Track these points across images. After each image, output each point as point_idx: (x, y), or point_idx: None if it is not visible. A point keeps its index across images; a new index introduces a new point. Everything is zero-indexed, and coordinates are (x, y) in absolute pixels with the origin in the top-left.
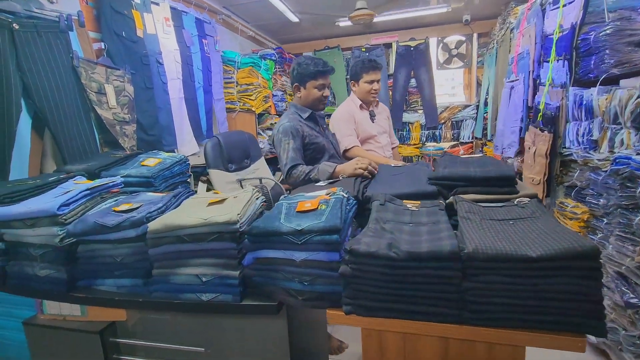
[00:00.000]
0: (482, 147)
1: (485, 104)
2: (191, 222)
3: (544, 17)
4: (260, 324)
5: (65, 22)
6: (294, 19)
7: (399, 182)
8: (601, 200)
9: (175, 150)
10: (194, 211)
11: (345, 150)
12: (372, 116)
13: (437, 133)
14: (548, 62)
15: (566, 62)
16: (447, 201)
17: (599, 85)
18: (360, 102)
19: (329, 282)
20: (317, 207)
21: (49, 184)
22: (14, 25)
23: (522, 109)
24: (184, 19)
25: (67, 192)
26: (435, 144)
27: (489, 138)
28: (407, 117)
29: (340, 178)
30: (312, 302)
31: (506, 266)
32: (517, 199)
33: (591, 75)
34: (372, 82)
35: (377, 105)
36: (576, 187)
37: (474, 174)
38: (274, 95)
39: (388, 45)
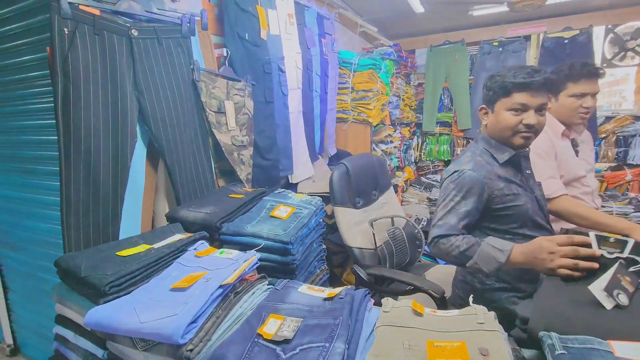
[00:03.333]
0: None
1: None
2: None
3: None
4: None
5: (188, 25)
6: (418, 9)
7: None
8: None
9: (290, 176)
10: None
11: (547, 201)
12: (575, 146)
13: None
14: None
15: None
16: None
17: None
18: (564, 128)
19: None
20: None
21: (163, 259)
22: (132, 31)
23: None
24: (306, 15)
25: (187, 287)
26: None
27: None
28: None
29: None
30: None
31: None
32: None
33: None
34: (582, 95)
35: (581, 131)
36: None
37: None
38: (390, 102)
39: (527, 38)
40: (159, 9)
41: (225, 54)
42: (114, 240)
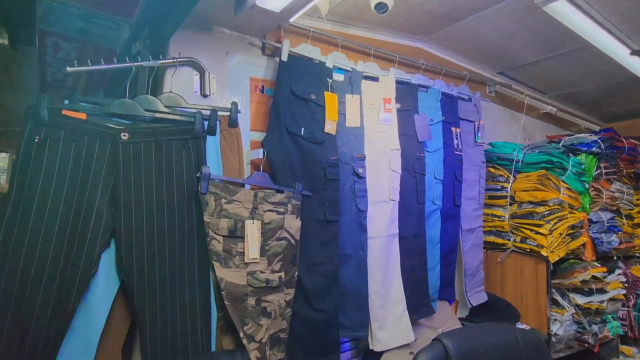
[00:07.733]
0: None
1: None
2: None
3: None
4: None
5: (204, 123)
6: None
7: None
8: None
9: (370, 338)
10: None
11: None
12: None
13: None
14: None
15: None
16: None
17: None
18: None
19: None
20: None
21: None
22: (121, 135)
23: None
24: (421, 98)
25: None
26: None
27: None
28: None
29: None
30: None
31: None
32: None
33: None
34: None
35: None
36: None
37: None
38: (592, 222)
39: None
40: (177, 109)
41: (262, 156)
42: None
